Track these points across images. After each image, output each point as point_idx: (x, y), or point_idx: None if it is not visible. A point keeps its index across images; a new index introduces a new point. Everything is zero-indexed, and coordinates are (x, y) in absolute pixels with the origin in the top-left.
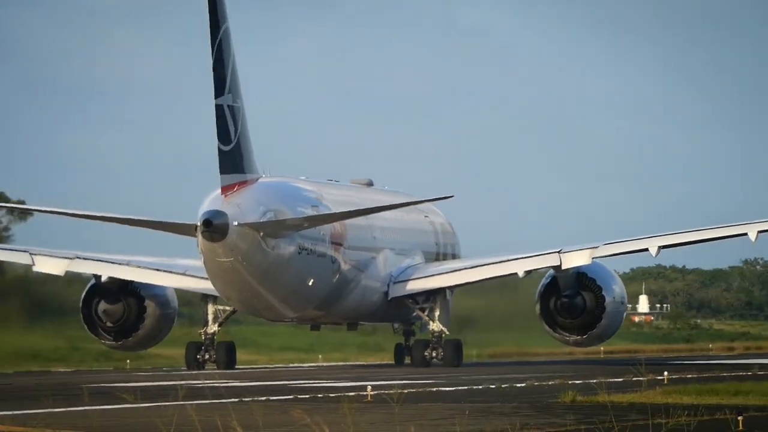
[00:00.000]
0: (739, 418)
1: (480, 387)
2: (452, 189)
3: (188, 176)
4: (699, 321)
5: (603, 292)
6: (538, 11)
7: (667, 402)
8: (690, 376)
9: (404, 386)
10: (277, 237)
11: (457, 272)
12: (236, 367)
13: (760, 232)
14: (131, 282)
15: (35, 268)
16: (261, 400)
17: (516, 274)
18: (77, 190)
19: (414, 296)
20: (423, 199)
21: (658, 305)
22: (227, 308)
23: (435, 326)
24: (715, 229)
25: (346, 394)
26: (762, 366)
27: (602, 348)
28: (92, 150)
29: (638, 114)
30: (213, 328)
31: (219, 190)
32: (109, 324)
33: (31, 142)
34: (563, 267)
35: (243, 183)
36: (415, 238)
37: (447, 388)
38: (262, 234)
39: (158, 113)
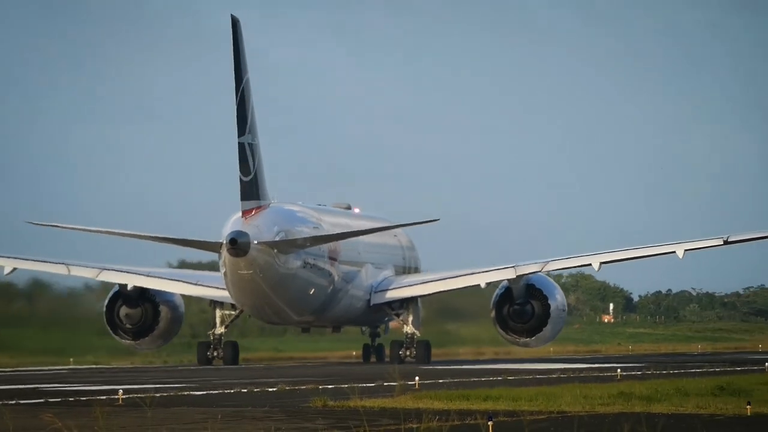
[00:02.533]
0: (489, 423)
1: (232, 391)
2: (416, 209)
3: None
4: (449, 326)
5: (549, 301)
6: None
7: (419, 407)
8: (441, 381)
9: (157, 390)
10: (287, 253)
11: (428, 283)
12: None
13: (686, 250)
14: (148, 289)
15: (74, 271)
16: (11, 404)
17: (479, 285)
18: (105, 207)
19: (390, 303)
20: (410, 222)
21: None
22: (232, 313)
23: (408, 329)
24: (648, 248)
25: (98, 397)
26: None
27: (354, 353)
28: (123, 168)
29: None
30: (220, 329)
31: (240, 214)
32: (128, 325)
33: (68, 168)
34: (519, 279)
35: (258, 208)
36: (388, 254)
37: (199, 393)
38: (275, 251)
39: (176, 141)
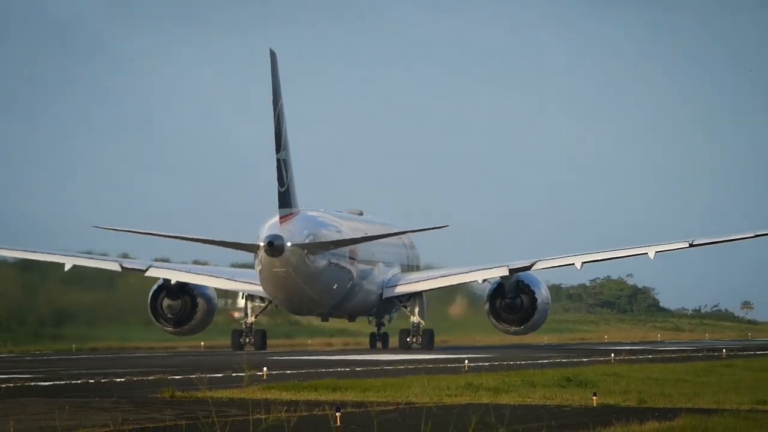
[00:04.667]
0: (337, 413)
1: (79, 381)
2: (417, 212)
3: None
4: (298, 318)
5: (535, 295)
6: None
7: (267, 398)
8: (290, 372)
9: (2, 381)
10: (315, 254)
11: (432, 280)
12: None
13: (657, 252)
14: (186, 283)
15: (125, 265)
16: None
17: (476, 281)
18: (155, 207)
19: (399, 297)
20: (421, 228)
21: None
22: (262, 305)
23: (415, 319)
24: (624, 249)
25: None
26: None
27: (203, 342)
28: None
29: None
30: (251, 319)
31: (275, 219)
32: (170, 315)
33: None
34: (511, 276)
35: (291, 214)
36: (396, 254)
37: (46, 383)
38: (306, 251)
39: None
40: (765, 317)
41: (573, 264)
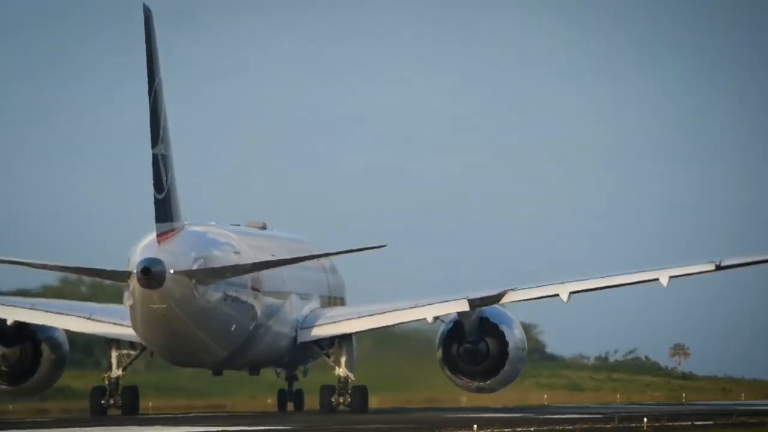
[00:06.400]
0: None
1: None
2: (333, 226)
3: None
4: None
5: (506, 338)
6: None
7: None
8: None
9: None
10: (206, 284)
11: (365, 318)
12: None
13: (672, 277)
14: (26, 324)
15: None
16: None
17: (425, 319)
18: None
19: (319, 341)
20: (359, 248)
21: None
22: (132, 352)
23: (341, 371)
24: (627, 275)
25: None
26: None
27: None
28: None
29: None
30: (117, 372)
31: (153, 236)
32: (3, 368)
33: None
34: (472, 312)
35: (173, 231)
36: (313, 281)
37: None
38: (194, 281)
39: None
40: (705, 370)
41: (557, 295)
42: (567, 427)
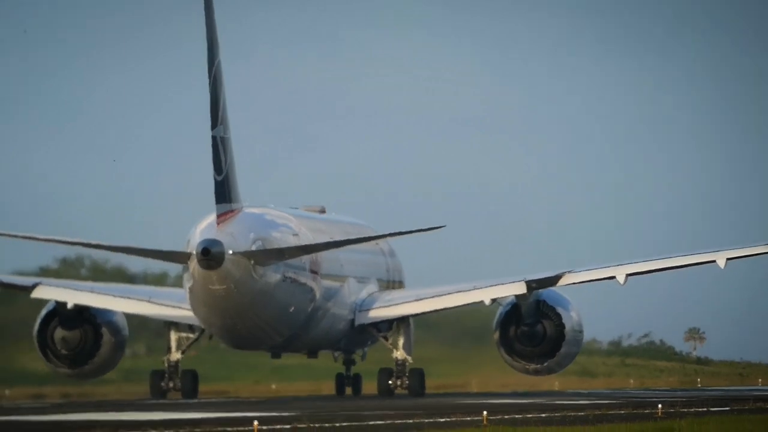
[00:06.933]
0: None
1: None
2: (392, 210)
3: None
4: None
5: (563, 320)
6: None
7: None
8: None
9: None
10: (265, 265)
11: (422, 301)
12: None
13: (729, 259)
14: (87, 307)
15: (3, 279)
16: None
17: (482, 302)
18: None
19: (377, 324)
20: (414, 229)
21: None
22: (191, 335)
23: (399, 354)
24: (684, 257)
25: None
26: None
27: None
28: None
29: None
30: (176, 355)
31: (212, 218)
32: (64, 351)
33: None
34: (529, 294)
35: (232, 212)
36: (371, 266)
37: None
38: (253, 262)
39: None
40: (721, 354)
41: (614, 277)
42: (578, 414)
